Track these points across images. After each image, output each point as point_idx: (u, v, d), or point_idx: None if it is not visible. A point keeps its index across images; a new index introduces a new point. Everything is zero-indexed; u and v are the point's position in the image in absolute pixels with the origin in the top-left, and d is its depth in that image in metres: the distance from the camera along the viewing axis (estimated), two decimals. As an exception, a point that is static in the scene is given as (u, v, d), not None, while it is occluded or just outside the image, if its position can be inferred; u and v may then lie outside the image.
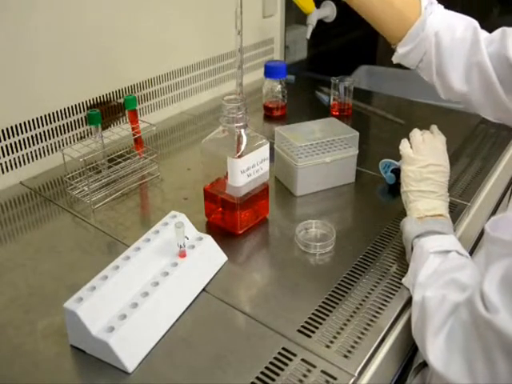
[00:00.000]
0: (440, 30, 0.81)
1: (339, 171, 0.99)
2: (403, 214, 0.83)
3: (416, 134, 0.87)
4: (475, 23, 0.82)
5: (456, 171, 1.06)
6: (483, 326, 0.53)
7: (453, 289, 0.62)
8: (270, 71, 1.32)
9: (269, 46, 1.65)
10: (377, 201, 0.99)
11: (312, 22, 1.58)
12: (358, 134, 0.98)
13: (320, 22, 1.62)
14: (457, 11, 0.86)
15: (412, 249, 0.75)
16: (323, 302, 0.71)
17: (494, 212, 1.20)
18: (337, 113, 1.33)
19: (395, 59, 0.87)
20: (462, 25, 0.82)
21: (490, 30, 0.82)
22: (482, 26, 0.83)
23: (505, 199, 1.33)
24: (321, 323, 0.68)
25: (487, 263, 0.61)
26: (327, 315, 0.69)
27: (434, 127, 0.90)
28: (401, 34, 0.84)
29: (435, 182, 0.80)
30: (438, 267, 0.68)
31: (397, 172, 0.99)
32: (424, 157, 0.82)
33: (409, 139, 0.87)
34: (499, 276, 0.53)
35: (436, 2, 0.84)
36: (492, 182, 1.08)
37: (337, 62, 1.81)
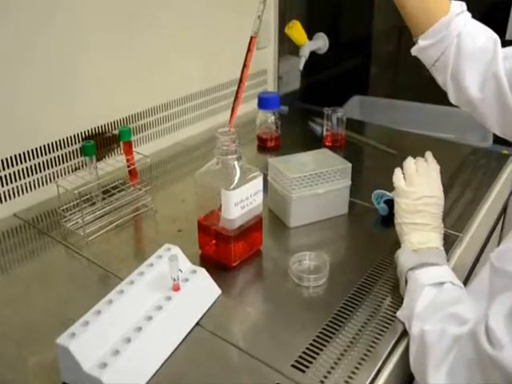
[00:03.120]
0: (463, 32, 0.82)
1: (332, 202, 0.99)
2: (397, 245, 0.83)
3: (409, 163, 0.88)
4: (496, 36, 0.83)
5: (448, 202, 1.06)
6: (487, 362, 0.53)
7: (452, 322, 0.62)
8: (264, 103, 1.34)
9: (262, 77, 1.67)
10: (370, 232, 0.99)
11: (305, 53, 1.60)
12: (350, 165, 0.99)
13: (312, 54, 1.65)
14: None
15: (406, 281, 0.75)
16: (317, 336, 0.71)
17: (486, 242, 1.21)
18: (330, 143, 1.34)
19: (414, 51, 0.87)
20: (485, 34, 0.83)
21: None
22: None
23: (497, 229, 1.34)
24: (315, 358, 0.67)
25: (491, 295, 0.61)
26: (321, 349, 0.69)
27: (429, 154, 0.91)
28: (425, 28, 0.83)
29: (429, 214, 0.81)
30: (435, 299, 0.68)
31: (389, 203, 0.99)
32: (417, 188, 0.83)
33: (402, 168, 0.88)
34: (506, 310, 0.53)
35: (466, 9, 0.85)
36: (483, 212, 1.09)
37: (329, 93, 1.83)
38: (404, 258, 0.77)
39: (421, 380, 0.63)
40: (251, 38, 0.82)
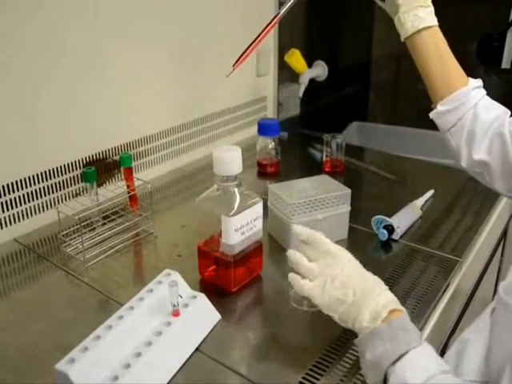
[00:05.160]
0: (479, 103, 0.86)
1: (332, 228, 1.00)
2: (397, 269, 0.83)
3: (295, 258, 0.74)
4: (508, 111, 0.88)
5: (447, 227, 1.08)
6: None
7: None
8: (264, 129, 1.35)
9: (262, 104, 1.69)
10: (369, 257, 0.99)
11: (304, 80, 1.63)
12: (349, 191, 0.99)
13: (312, 81, 1.67)
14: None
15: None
16: (317, 362, 0.71)
17: (486, 267, 1.21)
18: (329, 169, 1.35)
19: (432, 115, 0.90)
20: (498, 106, 0.88)
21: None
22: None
23: (497, 254, 1.34)
24: (315, 383, 0.67)
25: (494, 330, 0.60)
26: (321, 375, 0.68)
27: (301, 232, 0.76)
28: (444, 95, 0.87)
29: (354, 283, 0.68)
30: None
31: (389, 228, 1.00)
32: (323, 275, 0.69)
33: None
34: None
35: (482, 85, 0.89)
36: (483, 237, 1.09)
37: (329, 119, 1.85)
38: (368, 350, 0.63)
39: None
40: (277, 14, 0.84)
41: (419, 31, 0.86)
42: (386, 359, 0.60)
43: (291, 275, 0.73)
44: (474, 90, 0.86)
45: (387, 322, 0.63)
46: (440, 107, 0.88)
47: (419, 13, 0.85)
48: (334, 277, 0.68)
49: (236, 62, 0.88)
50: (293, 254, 0.74)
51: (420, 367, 0.59)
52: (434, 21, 0.87)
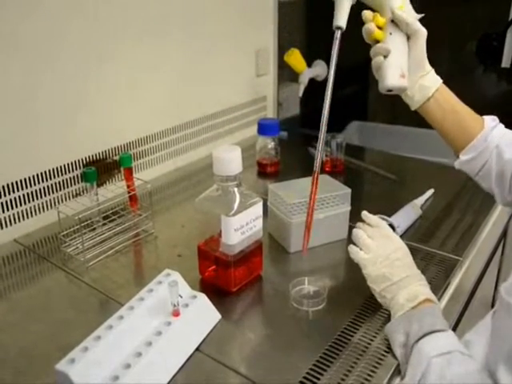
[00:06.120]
0: (501, 143, 0.84)
1: (332, 227, 1.00)
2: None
3: (357, 234, 0.85)
4: None
5: (448, 226, 1.07)
6: None
7: None
8: (263, 129, 1.35)
9: (262, 104, 1.69)
10: (370, 256, 0.99)
11: (304, 80, 1.63)
12: (349, 190, 0.99)
13: (312, 81, 1.67)
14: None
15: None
16: (317, 361, 0.71)
17: (486, 266, 1.20)
18: (329, 169, 1.35)
19: (457, 165, 0.89)
20: None
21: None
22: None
23: (497, 253, 1.33)
24: (315, 383, 0.67)
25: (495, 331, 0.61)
26: (322, 374, 0.68)
27: (366, 215, 0.88)
28: (464, 144, 0.86)
29: (403, 266, 0.79)
30: (442, 374, 0.63)
31: (390, 227, 1.00)
32: (378, 250, 0.81)
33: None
34: None
35: (498, 121, 0.88)
36: (484, 236, 1.09)
37: (328, 118, 1.84)
38: (397, 331, 0.72)
39: None
40: (314, 172, 0.88)
41: (428, 98, 0.85)
42: (412, 337, 0.68)
43: (351, 245, 0.84)
44: (492, 131, 0.85)
45: (419, 309, 0.72)
46: (462, 157, 0.87)
47: (424, 82, 0.84)
48: (386, 256, 0.79)
49: (304, 240, 0.87)
50: (356, 230, 0.85)
51: (440, 345, 0.66)
52: (439, 81, 0.85)
